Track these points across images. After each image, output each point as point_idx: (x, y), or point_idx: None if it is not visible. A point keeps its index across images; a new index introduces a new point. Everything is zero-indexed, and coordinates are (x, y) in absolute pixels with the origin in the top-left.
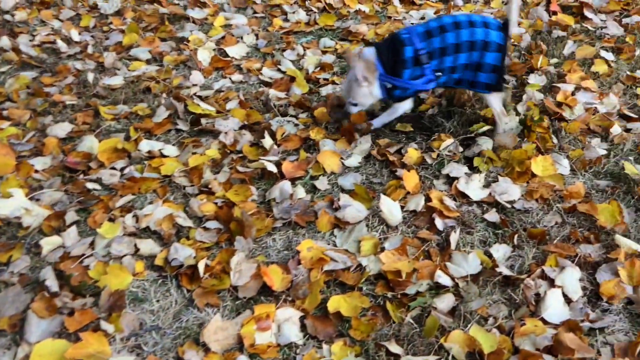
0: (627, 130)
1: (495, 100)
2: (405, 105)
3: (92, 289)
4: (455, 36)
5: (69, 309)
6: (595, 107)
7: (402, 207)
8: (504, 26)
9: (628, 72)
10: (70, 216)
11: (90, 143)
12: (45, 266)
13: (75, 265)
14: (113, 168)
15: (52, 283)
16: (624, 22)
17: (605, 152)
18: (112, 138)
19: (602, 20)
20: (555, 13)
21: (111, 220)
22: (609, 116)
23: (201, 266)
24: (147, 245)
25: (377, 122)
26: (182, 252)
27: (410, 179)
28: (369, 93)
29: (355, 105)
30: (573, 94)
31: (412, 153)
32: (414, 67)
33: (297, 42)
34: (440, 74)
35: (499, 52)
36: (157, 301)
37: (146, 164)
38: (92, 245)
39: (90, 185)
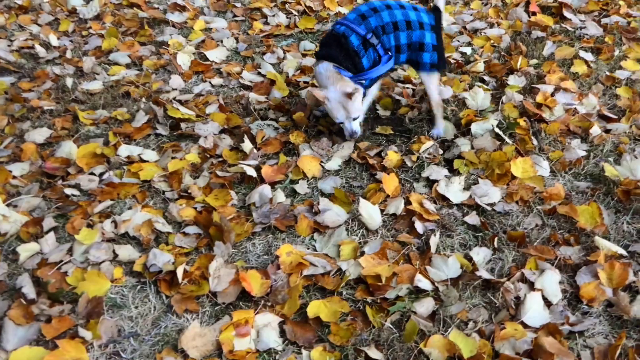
0: (607, 131)
1: (433, 86)
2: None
3: (70, 295)
4: (390, 15)
5: (47, 316)
6: (575, 108)
7: (382, 211)
8: (434, 12)
9: (607, 73)
10: (48, 222)
11: (68, 148)
12: (22, 273)
13: (53, 271)
14: (92, 173)
15: (29, 290)
16: (603, 22)
17: (585, 153)
18: (91, 143)
19: (581, 21)
20: (534, 14)
21: (89, 226)
22: (588, 117)
23: (180, 272)
24: (126, 251)
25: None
26: (161, 258)
27: (390, 182)
28: (360, 98)
29: (357, 118)
30: (553, 94)
31: (392, 156)
32: (367, 52)
33: (277, 45)
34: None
35: (433, 32)
36: (136, 307)
37: (125, 169)
38: (70, 251)
39: (68, 191)
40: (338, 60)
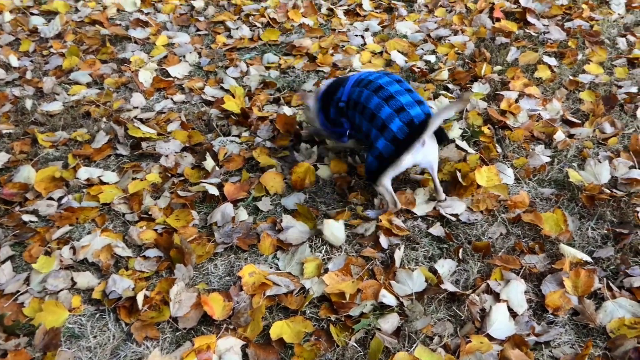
0: (571, 136)
1: None
2: None
3: (26, 327)
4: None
5: (2, 351)
6: (539, 114)
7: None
8: None
9: (571, 77)
10: (5, 251)
11: (27, 173)
12: None
13: (9, 303)
14: (50, 198)
15: None
16: (566, 27)
17: (549, 159)
18: (49, 167)
19: (544, 25)
20: (498, 20)
21: (47, 253)
22: (552, 122)
23: (140, 298)
24: (85, 278)
25: None
26: (121, 284)
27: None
28: None
29: None
30: (517, 101)
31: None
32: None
33: (240, 59)
34: None
35: None
36: (94, 337)
37: (85, 193)
38: (27, 281)
39: (26, 218)
40: None
